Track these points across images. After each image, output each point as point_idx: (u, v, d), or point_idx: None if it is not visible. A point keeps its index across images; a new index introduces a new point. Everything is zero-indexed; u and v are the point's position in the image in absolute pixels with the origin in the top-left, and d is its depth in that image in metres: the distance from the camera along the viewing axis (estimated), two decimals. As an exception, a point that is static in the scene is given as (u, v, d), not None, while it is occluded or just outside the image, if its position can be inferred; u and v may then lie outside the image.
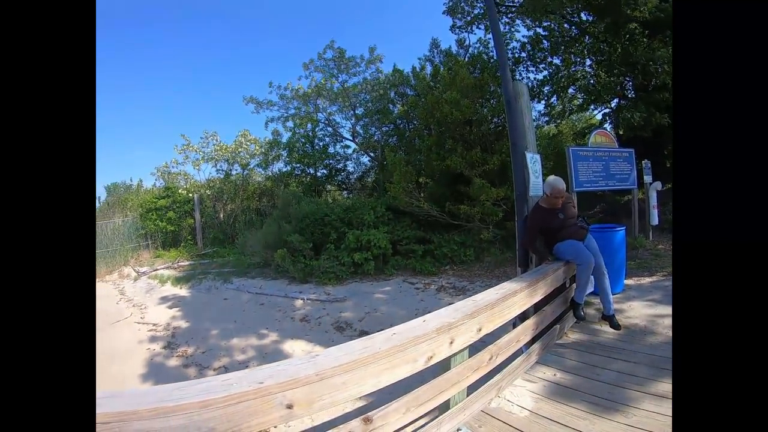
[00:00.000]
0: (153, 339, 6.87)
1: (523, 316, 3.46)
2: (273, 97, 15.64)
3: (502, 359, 2.88)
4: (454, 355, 2.31)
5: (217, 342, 6.42)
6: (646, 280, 6.16)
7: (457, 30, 12.64)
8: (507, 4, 11.62)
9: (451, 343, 2.20)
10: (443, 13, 12.41)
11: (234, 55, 35.59)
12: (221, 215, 16.39)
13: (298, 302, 7.94)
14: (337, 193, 16.92)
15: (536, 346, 3.45)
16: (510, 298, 2.86)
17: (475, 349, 2.55)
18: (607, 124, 11.40)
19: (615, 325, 4.11)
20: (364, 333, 6.10)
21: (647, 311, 4.71)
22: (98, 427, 1.25)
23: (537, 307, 3.51)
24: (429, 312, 6.29)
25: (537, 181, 4.60)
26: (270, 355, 5.70)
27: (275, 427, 1.69)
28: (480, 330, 2.47)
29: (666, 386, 2.83)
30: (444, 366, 2.28)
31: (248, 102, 15.79)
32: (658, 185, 7.98)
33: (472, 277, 8.63)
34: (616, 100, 10.94)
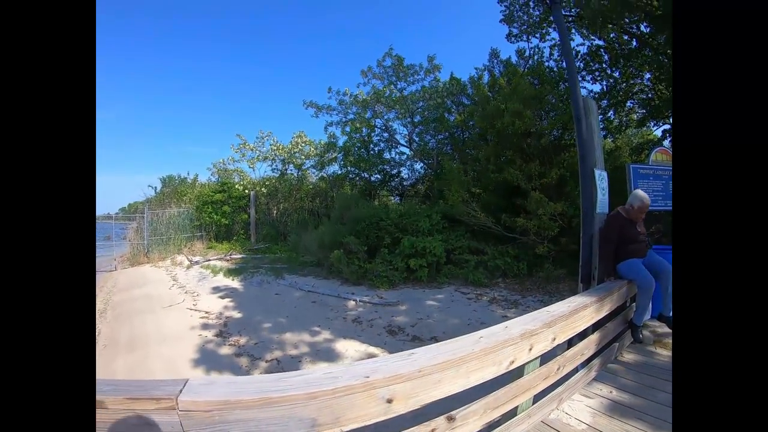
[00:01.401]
0: (205, 326, 7.11)
1: (582, 334, 3.51)
2: (332, 102, 16.16)
3: (567, 371, 2.96)
4: (530, 362, 2.41)
5: (269, 335, 6.59)
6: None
7: (513, 38, 12.51)
8: (563, 13, 11.46)
9: (530, 349, 2.32)
10: (500, 21, 12.34)
11: (293, 59, 36.90)
12: (274, 213, 17.08)
13: (351, 303, 8.13)
14: (388, 198, 17.16)
15: (595, 363, 3.47)
16: (581, 311, 2.95)
17: (545, 358, 2.65)
18: (666, 141, 11.03)
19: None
20: (416, 338, 6.26)
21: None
22: (198, 415, 1.34)
23: (598, 325, 3.55)
24: (482, 322, 6.45)
25: (603, 198, 4.63)
26: (323, 353, 5.85)
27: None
28: (554, 340, 2.57)
29: None
30: (518, 372, 2.39)
31: (308, 106, 16.34)
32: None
33: (523, 291, 8.62)
34: (676, 116, 10.53)
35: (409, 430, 1.82)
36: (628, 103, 11.72)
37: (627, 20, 9.72)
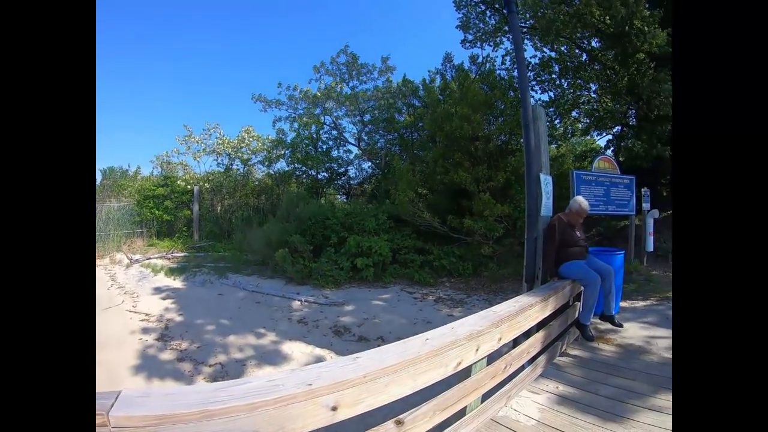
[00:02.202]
0: (146, 330, 6.70)
1: (528, 332, 3.59)
2: (282, 98, 15.83)
3: (514, 369, 3.01)
4: (477, 362, 2.41)
5: (212, 338, 6.29)
6: (641, 303, 6.35)
7: (467, 45, 12.85)
8: (519, 24, 11.86)
9: (477, 350, 2.31)
10: (457, 27, 12.61)
11: (243, 52, 35.93)
12: (218, 209, 16.42)
13: (296, 303, 7.93)
14: (333, 197, 16.99)
15: (541, 360, 3.57)
16: (527, 310, 3.01)
17: (492, 357, 2.66)
18: (609, 150, 11.66)
19: (618, 323, 4.44)
20: (363, 339, 6.17)
21: (642, 332, 4.88)
22: (133, 431, 1.23)
23: (543, 323, 3.63)
24: (428, 322, 6.48)
25: (548, 202, 4.77)
26: (268, 356, 5.65)
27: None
28: (500, 339, 2.58)
29: (663, 402, 3.01)
30: (466, 373, 2.38)
31: (257, 100, 15.95)
32: (655, 213, 8.21)
33: (469, 290, 8.73)
34: (618, 127, 11.20)
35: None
36: (574, 113, 12.30)
37: (579, 35, 10.19)
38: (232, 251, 12.75)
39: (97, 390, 1.22)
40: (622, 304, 5.79)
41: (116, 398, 1.28)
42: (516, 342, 3.23)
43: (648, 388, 3.27)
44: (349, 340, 6.20)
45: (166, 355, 5.75)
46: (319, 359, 5.54)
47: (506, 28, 11.72)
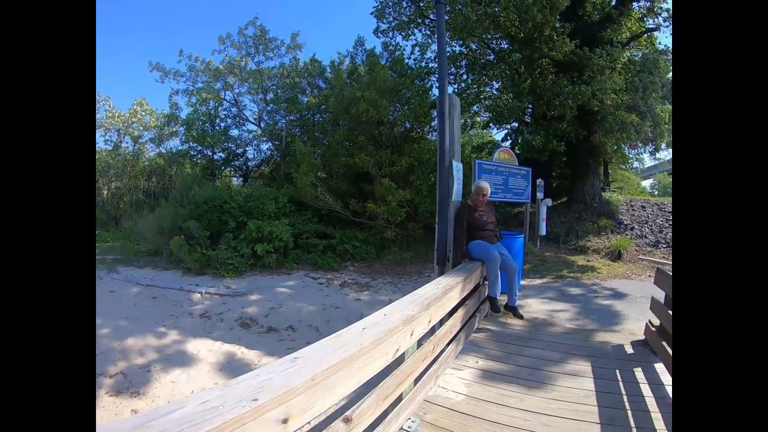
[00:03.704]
0: None
1: (450, 313, 3.69)
2: (181, 68, 14.42)
3: (440, 349, 3.07)
4: (410, 347, 2.39)
5: (108, 343, 5.56)
6: (538, 281, 6.91)
7: (380, 34, 12.90)
8: (432, 17, 12.06)
9: (412, 334, 2.30)
10: (371, 14, 12.55)
11: (139, 16, 32.22)
12: (105, 194, 14.70)
13: (196, 296, 7.39)
14: (228, 179, 16.07)
15: (460, 336, 3.70)
16: (449, 292, 3.08)
17: (420, 341, 2.67)
18: (506, 143, 12.46)
19: (519, 315, 4.69)
20: (272, 329, 5.98)
21: (544, 307, 5.32)
22: None
23: (461, 303, 3.75)
24: (337, 307, 6.44)
25: (459, 188, 4.96)
26: (174, 357, 5.19)
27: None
28: (430, 322, 2.60)
29: (575, 366, 3.33)
30: (400, 359, 2.34)
31: (153, 69, 14.27)
32: (548, 201, 9.10)
33: (373, 273, 8.85)
34: (515, 123, 12.00)
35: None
36: (475, 107, 13.02)
37: (490, 35, 10.67)
38: (122, 241, 11.44)
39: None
40: (522, 282, 6.23)
41: None
42: (440, 323, 3.29)
43: (559, 356, 3.58)
44: (257, 332, 5.95)
45: None
46: (230, 356, 5.27)
47: (419, 20, 12.02)
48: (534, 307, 5.25)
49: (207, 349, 5.39)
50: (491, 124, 12.91)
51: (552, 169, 11.20)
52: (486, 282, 4.60)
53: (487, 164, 7.66)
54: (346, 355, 1.66)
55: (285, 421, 1.33)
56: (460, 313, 3.59)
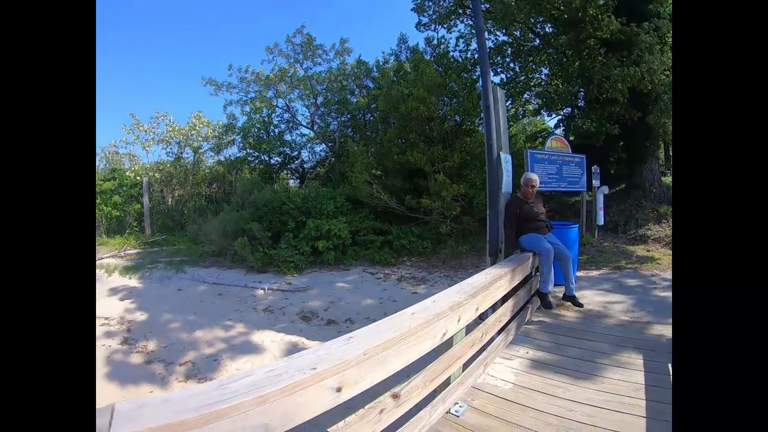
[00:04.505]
0: (108, 334, 6.34)
1: (499, 302, 3.75)
2: (233, 80, 15.11)
3: (489, 337, 3.15)
4: (458, 332, 2.51)
5: (178, 336, 6.09)
6: (594, 272, 6.74)
7: (422, 27, 12.89)
8: (472, 6, 11.94)
9: (459, 320, 2.40)
10: (411, 9, 12.60)
11: (193, 36, 34.25)
12: (169, 201, 15.64)
13: (260, 292, 7.83)
14: (284, 181, 16.50)
15: (511, 327, 3.76)
16: (497, 281, 3.15)
17: (469, 328, 2.77)
18: (559, 130, 12.11)
19: (578, 303, 4.67)
20: (331, 322, 6.22)
21: (599, 299, 5.22)
22: None
23: (511, 293, 3.79)
24: (394, 300, 6.59)
25: (508, 179, 5.00)
26: (240, 347, 5.58)
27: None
28: (477, 309, 2.69)
29: (626, 359, 3.29)
30: (449, 343, 2.47)
31: (207, 83, 15.11)
32: (605, 189, 8.69)
33: (430, 268, 8.93)
34: (568, 109, 11.64)
35: (357, 412, 1.78)
36: (525, 95, 12.63)
37: (533, 20, 10.42)
38: (188, 243, 12.24)
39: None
40: (578, 273, 6.12)
41: (111, 414, 1.16)
42: (487, 313, 3.36)
43: (611, 348, 3.53)
44: (318, 324, 6.22)
45: (135, 359, 5.53)
46: (292, 346, 5.56)
47: (460, 11, 11.83)
48: (589, 298, 5.16)
49: (270, 340, 5.73)
50: (542, 111, 12.58)
51: (608, 155, 10.68)
52: (537, 273, 4.60)
53: (540, 153, 7.53)
54: (396, 334, 1.81)
55: (339, 390, 1.52)
56: (510, 303, 3.64)
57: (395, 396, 1.96)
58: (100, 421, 1.13)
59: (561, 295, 4.79)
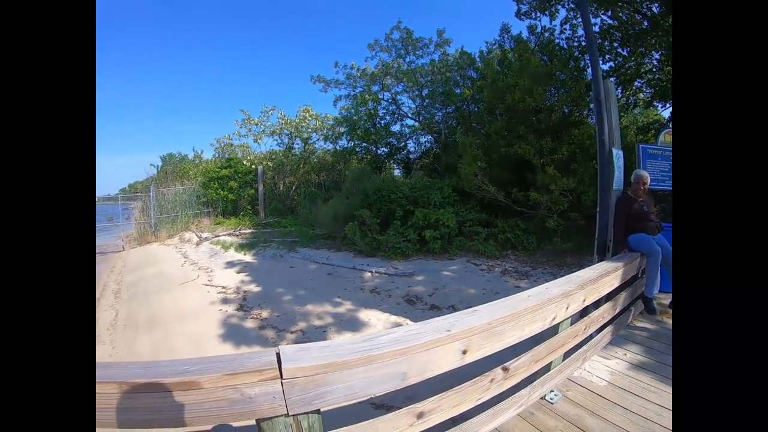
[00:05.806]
0: (225, 301, 7.20)
1: (602, 299, 3.82)
2: (340, 77, 16.27)
3: (592, 331, 3.30)
4: (565, 320, 2.72)
5: (290, 307, 6.73)
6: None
7: (522, 16, 12.46)
8: None
9: (567, 308, 2.63)
10: None
11: (298, 35, 36.42)
12: (280, 187, 17.29)
13: (367, 274, 8.38)
14: (391, 171, 17.35)
15: (611, 328, 3.80)
16: (605, 277, 3.27)
17: (573, 319, 2.94)
18: (674, 123, 11.12)
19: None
20: (435, 307, 6.53)
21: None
22: (302, 380, 1.42)
23: (614, 292, 3.81)
24: (496, 293, 6.83)
25: (619, 176, 4.93)
26: (347, 323, 6.05)
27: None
28: (584, 300, 2.88)
29: None
30: (554, 330, 2.70)
31: (316, 81, 16.46)
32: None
33: (533, 263, 8.92)
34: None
35: (474, 378, 2.11)
36: (636, 83, 11.71)
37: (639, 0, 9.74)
38: (298, 226, 13.37)
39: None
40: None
41: (278, 355, 1.45)
42: (590, 309, 3.47)
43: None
44: (421, 308, 6.54)
45: (249, 324, 6.22)
46: (396, 325, 5.88)
47: None
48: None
49: (376, 318, 6.18)
50: (655, 102, 11.65)
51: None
52: (643, 276, 4.51)
53: (652, 148, 7.11)
54: (514, 311, 2.14)
55: (464, 352, 1.87)
56: (613, 302, 3.70)
57: (505, 369, 2.26)
58: (267, 359, 1.44)
59: (667, 302, 4.62)
